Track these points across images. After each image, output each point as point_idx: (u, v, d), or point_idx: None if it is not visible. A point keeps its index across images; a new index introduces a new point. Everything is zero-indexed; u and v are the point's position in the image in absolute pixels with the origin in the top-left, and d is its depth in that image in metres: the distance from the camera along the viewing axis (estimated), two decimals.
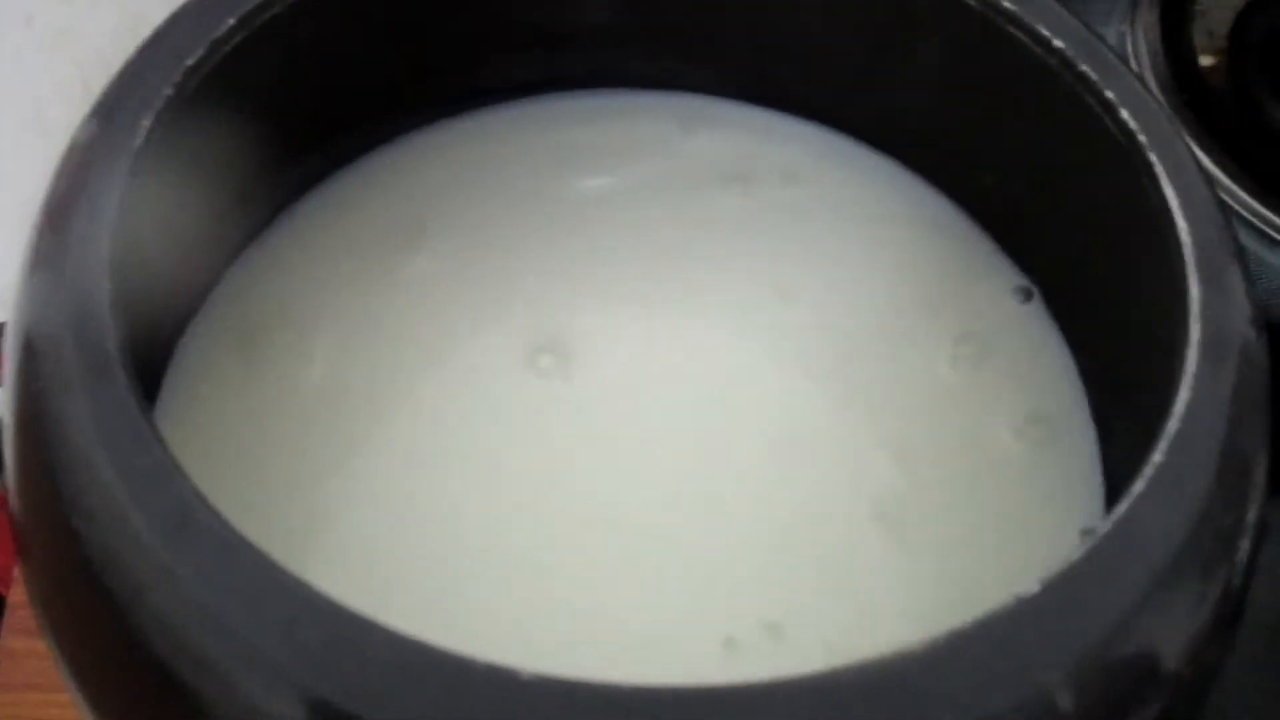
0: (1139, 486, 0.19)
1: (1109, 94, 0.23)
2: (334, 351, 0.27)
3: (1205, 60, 0.37)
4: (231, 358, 0.27)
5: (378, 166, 0.29)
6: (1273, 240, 0.34)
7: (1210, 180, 0.23)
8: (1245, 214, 0.35)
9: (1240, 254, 0.22)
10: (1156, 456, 0.19)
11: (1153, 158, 0.23)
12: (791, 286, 0.28)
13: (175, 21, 0.23)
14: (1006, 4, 0.24)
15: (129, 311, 0.21)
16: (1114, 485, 0.25)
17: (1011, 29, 0.25)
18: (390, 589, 0.24)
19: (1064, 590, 0.18)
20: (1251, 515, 0.20)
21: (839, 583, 0.24)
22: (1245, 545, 0.20)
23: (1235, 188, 0.35)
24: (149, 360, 0.25)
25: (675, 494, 0.25)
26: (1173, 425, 0.19)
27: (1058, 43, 0.24)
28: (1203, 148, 0.35)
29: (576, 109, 0.31)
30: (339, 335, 0.27)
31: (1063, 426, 0.26)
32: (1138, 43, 0.37)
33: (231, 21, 0.23)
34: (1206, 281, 0.21)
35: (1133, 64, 0.36)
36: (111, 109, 0.22)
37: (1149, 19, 0.37)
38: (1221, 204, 0.23)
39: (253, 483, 0.25)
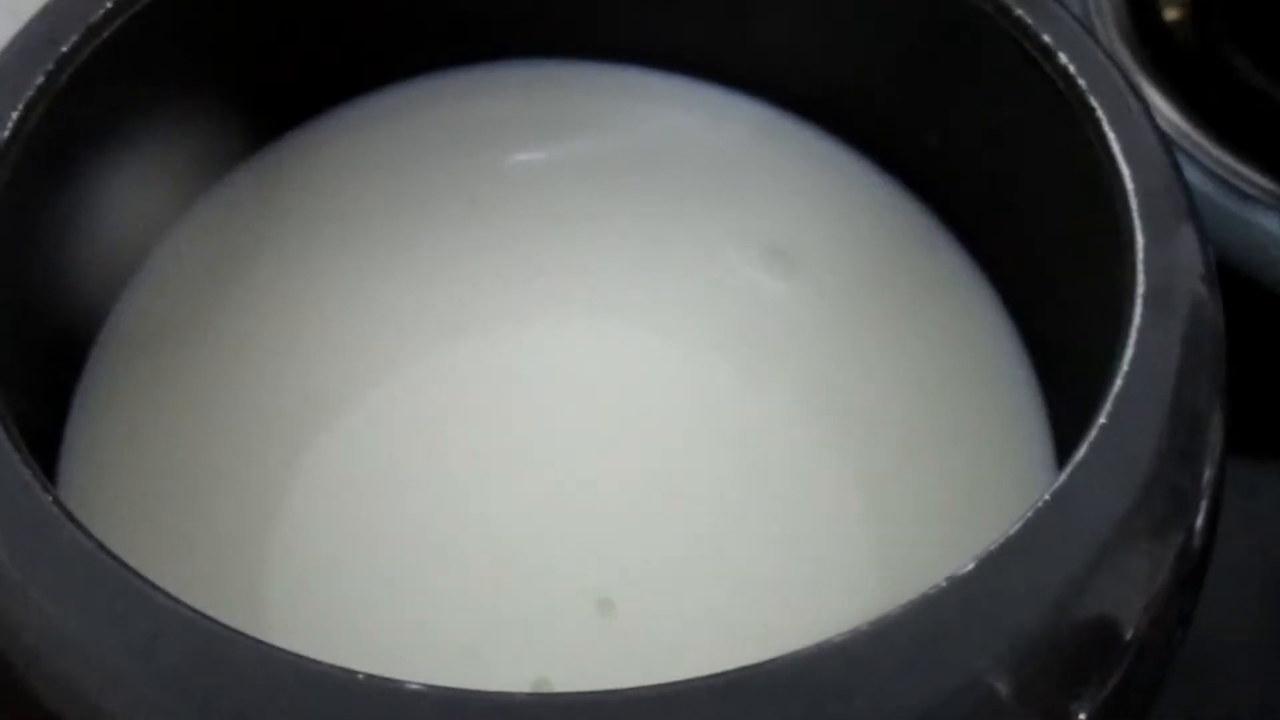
0: (1081, 452, 0.18)
1: (1046, 38, 0.22)
2: (255, 350, 0.26)
3: (1170, 14, 0.36)
4: (148, 361, 0.26)
5: (295, 147, 0.28)
6: (1241, 194, 0.33)
7: (1159, 129, 0.22)
8: (1214, 168, 0.34)
9: (1192, 206, 0.21)
10: (1100, 419, 0.18)
11: (1094, 103, 0.21)
12: (720, 270, 0.27)
13: (53, 5, 0.22)
14: None
15: (13, 313, 0.20)
16: (1065, 450, 0.23)
17: None
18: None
19: (998, 568, 0.16)
20: (1207, 474, 0.19)
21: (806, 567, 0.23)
22: (1203, 505, 0.19)
23: (1203, 141, 0.34)
24: (55, 364, 0.24)
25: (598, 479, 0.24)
26: (1117, 384, 0.18)
27: None
28: (1169, 102, 0.34)
29: (509, 80, 0.30)
30: (258, 331, 0.26)
31: (1008, 393, 0.24)
32: None
33: (109, 4, 0.21)
34: (1152, 233, 0.20)
35: (1095, 19, 0.35)
36: None
37: None
38: (1172, 154, 0.22)
39: (186, 490, 0.24)
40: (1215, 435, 0.19)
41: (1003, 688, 0.16)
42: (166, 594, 0.15)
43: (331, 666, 0.15)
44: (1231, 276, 0.31)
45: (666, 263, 0.27)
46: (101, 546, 0.16)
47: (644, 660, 0.22)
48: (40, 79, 0.20)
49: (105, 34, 0.21)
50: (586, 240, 0.28)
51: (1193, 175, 0.32)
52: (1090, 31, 0.23)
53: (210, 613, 0.16)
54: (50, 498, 0.16)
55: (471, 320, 0.27)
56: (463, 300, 0.27)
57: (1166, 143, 0.22)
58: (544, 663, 0.22)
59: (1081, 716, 0.17)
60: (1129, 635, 0.17)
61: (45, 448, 0.23)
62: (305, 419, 0.25)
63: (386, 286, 0.27)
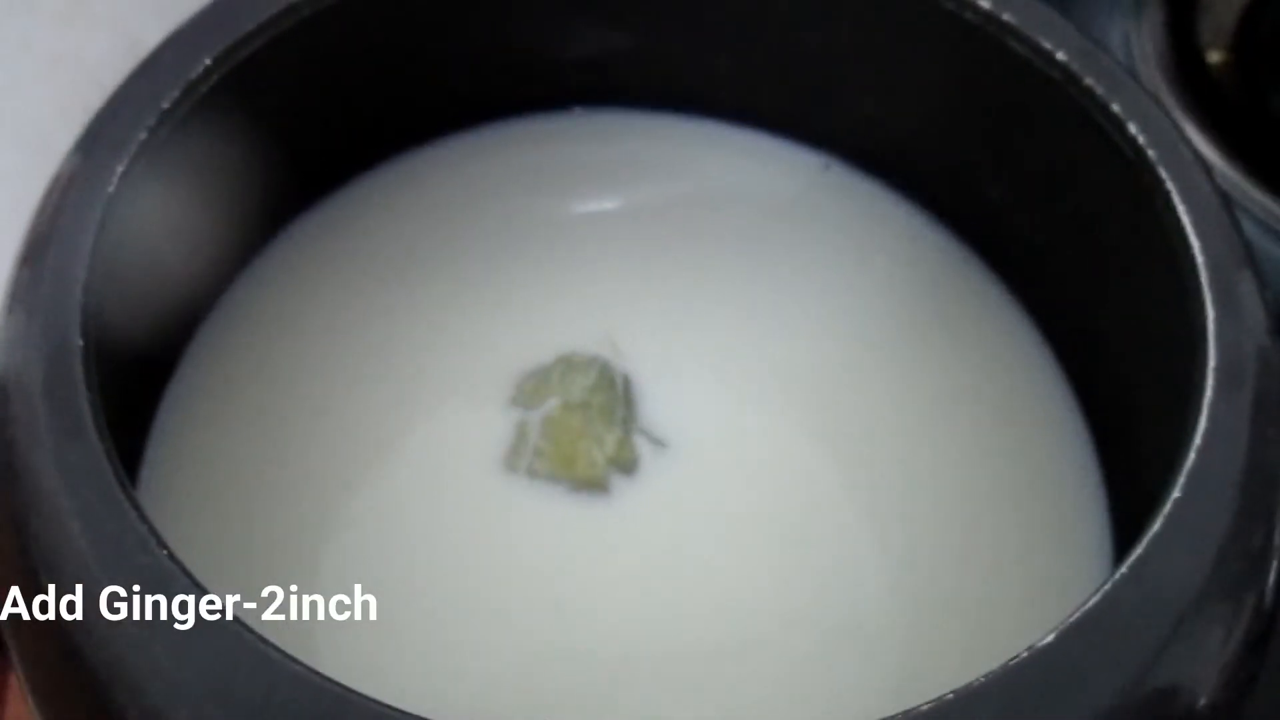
0: (1157, 525, 0.18)
1: (1115, 107, 0.23)
2: (326, 393, 0.26)
3: (1213, 56, 0.36)
4: (221, 393, 0.26)
5: (363, 193, 0.29)
6: None
7: (1225, 196, 0.22)
8: (1256, 211, 0.34)
9: (1255, 266, 0.22)
10: (1175, 492, 0.18)
11: (1164, 174, 0.22)
12: (786, 319, 0.28)
13: (157, 57, 0.23)
14: (1006, 17, 0.24)
15: (107, 355, 0.20)
16: (1121, 520, 0.24)
17: (1012, 43, 0.24)
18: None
19: (1078, 639, 0.17)
20: (1278, 534, 0.19)
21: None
22: (1274, 565, 0.19)
23: (1245, 184, 0.34)
24: (133, 404, 0.25)
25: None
26: (1190, 458, 0.19)
27: (1061, 55, 0.23)
28: (1211, 145, 0.34)
29: (575, 129, 0.30)
30: (329, 373, 0.27)
31: (1063, 462, 0.25)
32: (1143, 41, 0.36)
33: (208, 61, 0.22)
34: (1222, 305, 0.20)
35: (1138, 62, 0.35)
36: (90, 146, 0.22)
37: (1154, 16, 0.36)
38: (1237, 222, 0.22)
39: (248, 515, 0.25)
40: None
41: None
42: (284, 653, 0.16)
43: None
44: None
45: (726, 310, 0.28)
46: (214, 601, 0.16)
47: (689, 701, 0.23)
48: (143, 135, 0.21)
49: (203, 90, 0.22)
50: (646, 287, 0.28)
51: None
52: (1158, 101, 0.24)
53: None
54: (166, 553, 0.17)
55: (533, 364, 0.27)
56: (526, 345, 0.27)
57: (1232, 212, 0.22)
58: (591, 704, 0.23)
59: None
60: (1203, 702, 0.18)
61: None
62: (362, 449, 0.26)
63: (450, 329, 0.27)
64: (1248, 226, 0.32)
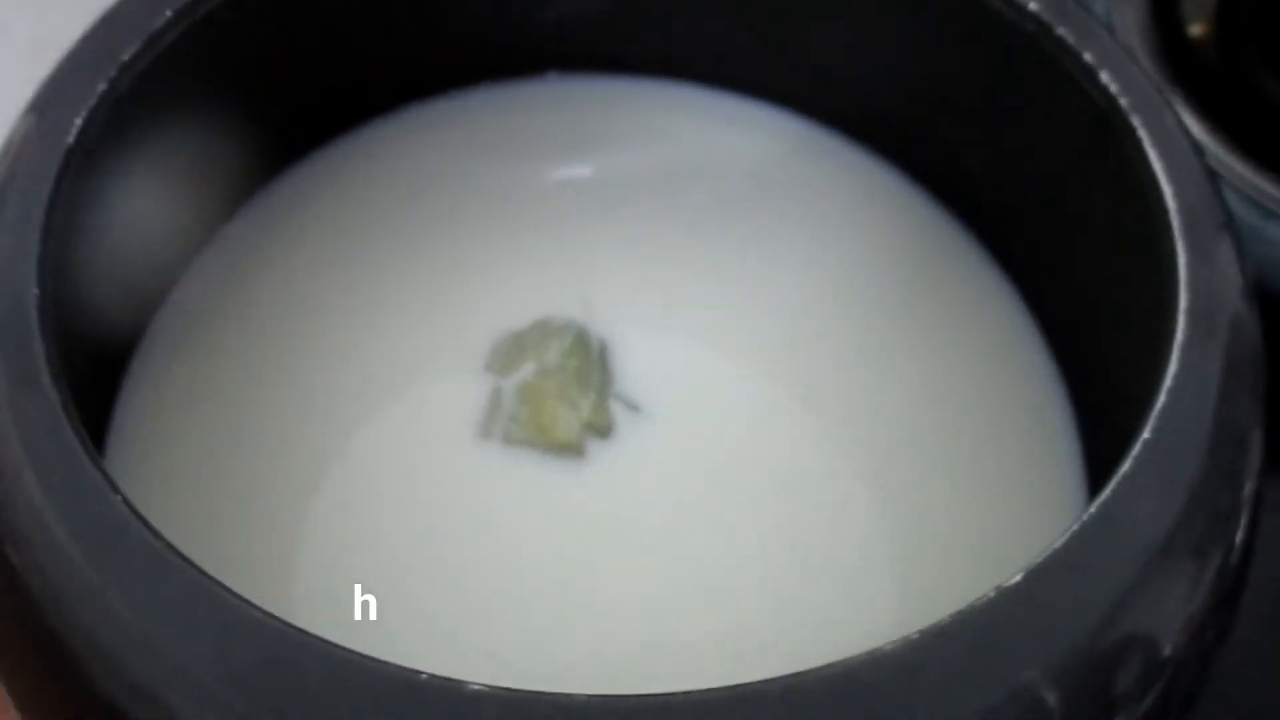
0: (1126, 466, 0.18)
1: (1087, 57, 0.22)
2: (300, 362, 0.26)
3: (1195, 30, 0.36)
4: (190, 360, 0.26)
5: (337, 159, 0.28)
6: (1265, 210, 0.33)
7: (1198, 146, 0.22)
8: (1239, 185, 0.34)
9: (1231, 223, 0.22)
10: (1145, 434, 0.18)
11: (1135, 121, 0.22)
12: (764, 285, 0.27)
13: (116, 11, 0.22)
14: None
15: (68, 314, 0.20)
16: (1096, 468, 0.24)
17: None
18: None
19: (1047, 579, 0.17)
20: (1247, 491, 0.19)
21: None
22: (1242, 522, 0.19)
23: (1226, 156, 0.34)
24: (101, 365, 0.25)
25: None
26: (1161, 400, 0.18)
27: (1033, 6, 0.23)
28: (1193, 117, 0.34)
29: (548, 94, 0.30)
30: (303, 342, 0.26)
31: (1040, 409, 0.25)
32: (1124, 14, 0.36)
33: (169, 14, 0.22)
34: (1194, 250, 0.20)
35: (1119, 35, 0.35)
36: (49, 98, 0.21)
37: None
38: (1210, 171, 0.22)
39: (222, 479, 0.25)
40: (1255, 451, 0.19)
41: (1049, 698, 0.16)
42: (237, 595, 0.16)
43: (395, 666, 0.15)
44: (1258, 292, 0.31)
45: (705, 275, 0.28)
46: (173, 549, 0.16)
47: (671, 668, 0.23)
48: (103, 86, 0.21)
49: (165, 43, 0.22)
50: (624, 253, 0.28)
51: None
52: (1130, 51, 0.24)
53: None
54: (120, 499, 0.17)
55: (509, 331, 0.27)
56: (502, 312, 0.27)
57: (1205, 161, 0.22)
58: (564, 667, 0.23)
59: None
60: (1169, 651, 0.18)
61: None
62: (338, 419, 0.25)
63: (425, 298, 0.27)
64: (1231, 200, 0.32)
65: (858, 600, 0.23)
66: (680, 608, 0.23)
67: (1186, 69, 0.34)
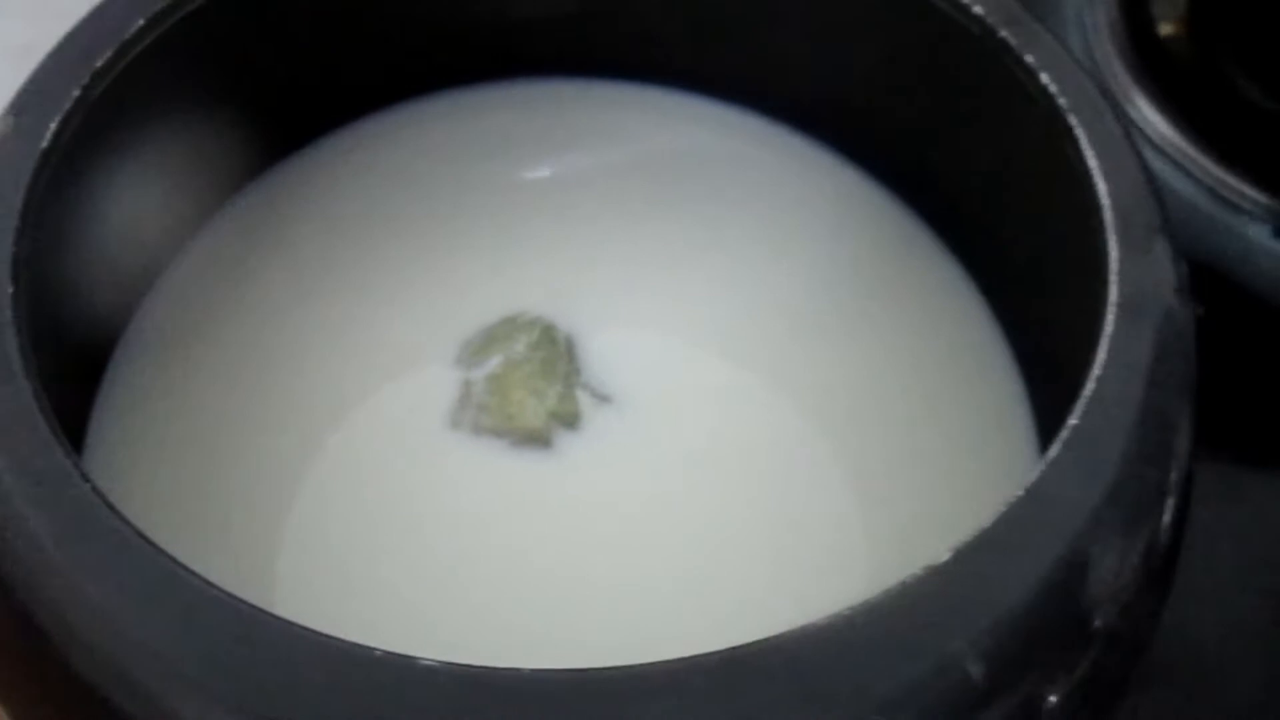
0: (1053, 451, 0.19)
1: (1029, 58, 0.23)
2: (277, 357, 0.27)
3: (1166, 29, 0.36)
4: (169, 359, 0.27)
5: (310, 161, 0.29)
6: (1233, 205, 0.34)
7: (1136, 148, 0.23)
8: (1206, 180, 0.34)
9: (1166, 221, 0.22)
10: (1073, 419, 0.19)
11: (1073, 121, 0.22)
12: (730, 279, 0.28)
13: (90, 21, 0.23)
14: None
15: (45, 313, 0.21)
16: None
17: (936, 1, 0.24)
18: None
19: (975, 558, 0.18)
20: (1175, 474, 0.20)
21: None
22: (1170, 504, 0.20)
23: (1196, 153, 0.34)
24: (80, 364, 0.25)
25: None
26: (1089, 387, 0.19)
27: (977, 9, 0.24)
28: (1163, 115, 0.34)
29: (514, 96, 0.31)
30: (280, 338, 0.27)
31: (998, 396, 0.26)
32: (1096, 12, 0.36)
33: (141, 21, 0.23)
34: (1126, 247, 0.21)
35: (1090, 34, 0.36)
36: (23, 105, 0.22)
37: None
38: (1149, 171, 0.23)
39: (201, 479, 0.25)
40: (1184, 438, 0.20)
41: (976, 670, 0.17)
42: (198, 576, 0.17)
43: (348, 642, 0.16)
44: (1223, 284, 0.32)
45: (670, 270, 0.28)
46: (138, 532, 0.17)
47: (641, 654, 0.23)
48: (76, 92, 0.22)
49: (138, 49, 0.22)
50: (592, 250, 0.29)
51: (1185, 186, 0.32)
52: (1083, 61, 0.24)
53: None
54: (89, 485, 0.17)
55: (480, 326, 0.27)
56: (473, 308, 0.28)
57: (1143, 160, 0.23)
58: (540, 650, 0.23)
59: (1052, 699, 0.18)
60: (1097, 625, 0.18)
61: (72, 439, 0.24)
62: (313, 413, 0.26)
63: (399, 295, 0.28)
64: (1200, 197, 0.33)
65: (829, 583, 0.24)
66: (650, 593, 0.24)
67: (1157, 67, 0.35)
